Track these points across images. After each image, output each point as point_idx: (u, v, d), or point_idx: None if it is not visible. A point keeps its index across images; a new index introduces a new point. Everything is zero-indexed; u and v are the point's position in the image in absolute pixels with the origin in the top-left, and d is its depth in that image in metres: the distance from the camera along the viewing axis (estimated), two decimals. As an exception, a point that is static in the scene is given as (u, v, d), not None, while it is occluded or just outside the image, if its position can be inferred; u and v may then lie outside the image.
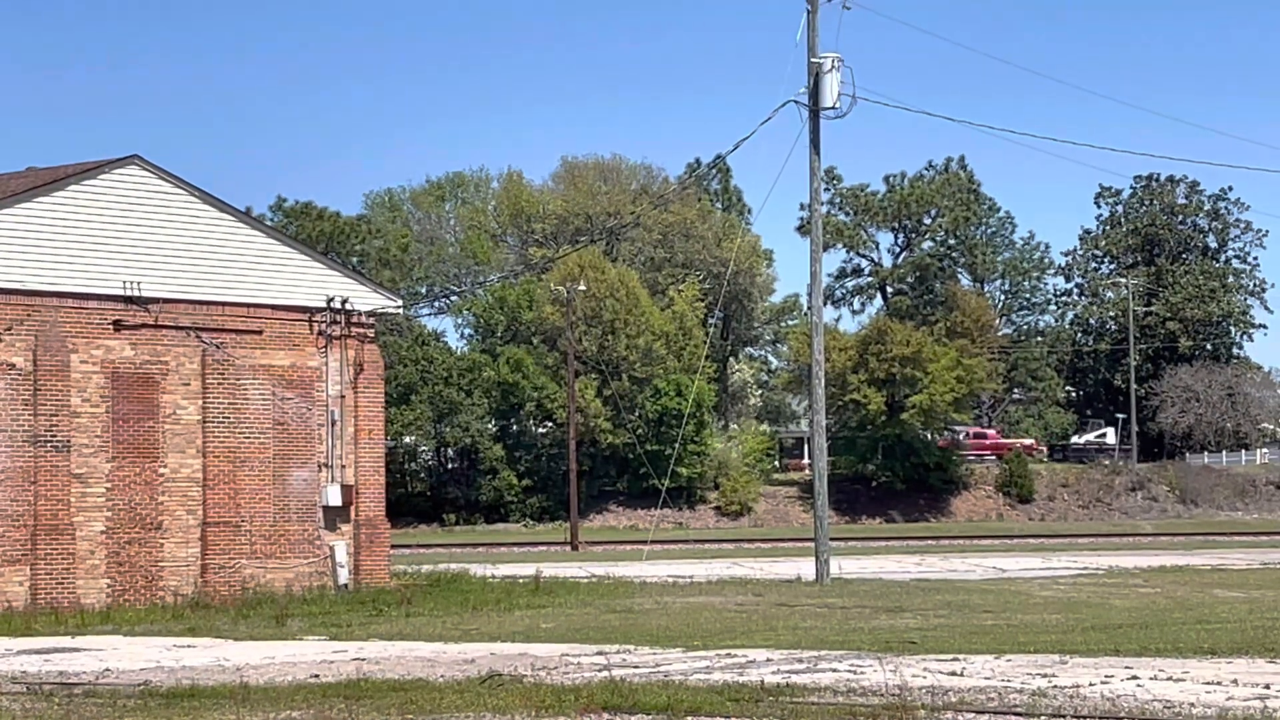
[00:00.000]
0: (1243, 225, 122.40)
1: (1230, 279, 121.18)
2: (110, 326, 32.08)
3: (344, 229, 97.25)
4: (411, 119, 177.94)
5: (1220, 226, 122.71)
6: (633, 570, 43.27)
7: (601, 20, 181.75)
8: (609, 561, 50.27)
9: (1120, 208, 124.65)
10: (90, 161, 32.98)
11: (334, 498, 34.66)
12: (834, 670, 18.76)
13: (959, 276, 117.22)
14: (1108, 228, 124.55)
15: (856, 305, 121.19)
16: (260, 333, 34.06)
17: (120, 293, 32.12)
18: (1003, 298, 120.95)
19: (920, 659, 19.89)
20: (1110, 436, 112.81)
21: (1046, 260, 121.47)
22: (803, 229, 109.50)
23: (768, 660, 20.08)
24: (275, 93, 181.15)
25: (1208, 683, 17.01)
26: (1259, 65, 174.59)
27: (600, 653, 21.37)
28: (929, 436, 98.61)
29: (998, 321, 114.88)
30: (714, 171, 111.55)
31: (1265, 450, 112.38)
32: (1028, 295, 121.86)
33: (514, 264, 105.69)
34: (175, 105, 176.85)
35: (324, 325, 34.95)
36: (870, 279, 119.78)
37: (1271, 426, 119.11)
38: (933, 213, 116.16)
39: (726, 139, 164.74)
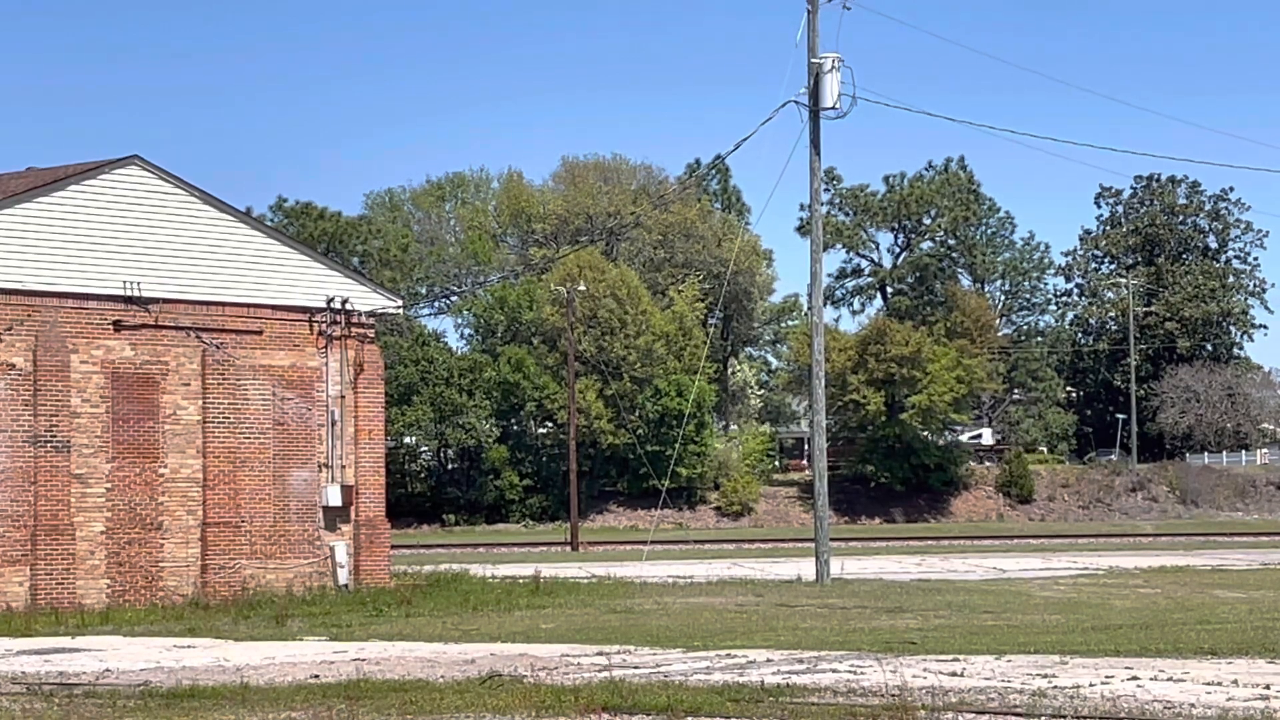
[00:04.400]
0: (1243, 225, 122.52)
1: (1230, 279, 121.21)
2: (110, 326, 32.07)
3: (344, 229, 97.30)
4: (411, 119, 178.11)
5: (1220, 227, 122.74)
6: (633, 570, 43.25)
7: (602, 20, 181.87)
8: (609, 562, 50.26)
9: (1120, 208, 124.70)
10: (90, 161, 32.97)
11: (334, 498, 34.64)
12: (834, 671, 18.75)
13: (959, 276, 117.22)
14: (1108, 228, 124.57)
15: (856, 305, 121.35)
16: (260, 333, 34.05)
17: (120, 293, 32.10)
18: (1003, 298, 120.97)
19: (920, 659, 19.89)
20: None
21: (1046, 260, 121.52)
22: (803, 229, 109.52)
23: (768, 661, 20.07)
24: (275, 93, 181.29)
25: (1208, 683, 17.01)
26: (1260, 65, 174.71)
27: (600, 653, 21.37)
28: (928, 436, 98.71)
29: (998, 321, 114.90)
30: (714, 172, 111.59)
31: (1265, 450, 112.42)
32: (1028, 295, 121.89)
33: (514, 264, 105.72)
34: (175, 105, 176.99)
35: (324, 325, 34.93)
36: (870, 279, 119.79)
37: (1272, 426, 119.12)
38: (932, 213, 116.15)
39: (726, 139, 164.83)
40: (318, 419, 34.78)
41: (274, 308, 34.32)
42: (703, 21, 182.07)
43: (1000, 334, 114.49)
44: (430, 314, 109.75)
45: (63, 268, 31.49)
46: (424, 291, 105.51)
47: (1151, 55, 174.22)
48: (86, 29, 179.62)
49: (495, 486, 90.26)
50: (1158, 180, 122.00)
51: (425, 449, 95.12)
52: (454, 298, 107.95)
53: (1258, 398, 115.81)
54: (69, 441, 31.33)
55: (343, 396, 35.08)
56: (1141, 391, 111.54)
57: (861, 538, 71.72)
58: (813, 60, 38.63)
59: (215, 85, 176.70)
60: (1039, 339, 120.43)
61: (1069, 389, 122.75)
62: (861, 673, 18.35)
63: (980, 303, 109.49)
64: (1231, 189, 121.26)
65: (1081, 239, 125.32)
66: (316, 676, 19.26)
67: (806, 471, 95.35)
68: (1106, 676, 17.66)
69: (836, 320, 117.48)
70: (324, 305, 34.91)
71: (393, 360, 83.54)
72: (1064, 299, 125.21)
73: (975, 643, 22.19)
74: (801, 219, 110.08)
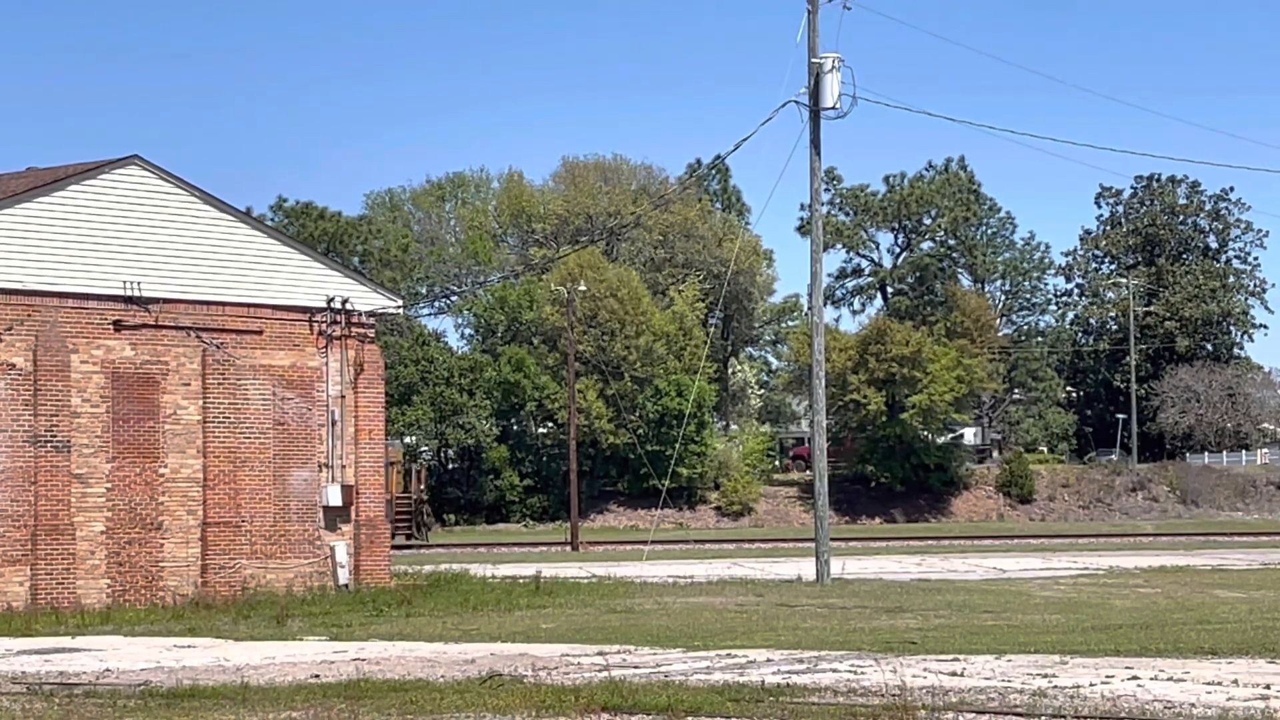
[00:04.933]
0: (1243, 225, 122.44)
1: (1231, 279, 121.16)
2: (110, 326, 32.08)
3: (345, 229, 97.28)
4: (411, 119, 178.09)
5: (1221, 227, 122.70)
6: (633, 570, 43.25)
7: (602, 20, 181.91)
8: (609, 561, 50.26)
9: (1120, 208, 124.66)
10: (90, 161, 32.98)
11: (334, 498, 34.65)
12: (834, 670, 18.75)
13: (959, 276, 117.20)
14: (1108, 228, 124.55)
15: (856, 305, 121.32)
16: (260, 333, 34.06)
17: (120, 293, 32.12)
18: (1003, 298, 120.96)
19: (920, 659, 19.89)
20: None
21: (1046, 260, 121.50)
22: (803, 229, 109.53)
23: (768, 660, 20.08)
24: (275, 93, 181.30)
25: (1208, 683, 17.01)
26: (1259, 65, 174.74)
27: (600, 653, 21.37)
28: (928, 436, 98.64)
29: (998, 321, 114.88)
30: (714, 172, 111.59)
31: (1265, 450, 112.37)
32: (1028, 295, 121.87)
33: (514, 264, 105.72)
34: (175, 105, 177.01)
35: (324, 325, 34.94)
36: (870, 279, 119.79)
37: (1272, 426, 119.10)
38: (933, 213, 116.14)
39: (726, 139, 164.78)
40: (318, 419, 34.79)
41: (274, 308, 34.33)
42: (703, 21, 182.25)
43: (1000, 334, 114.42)
44: (430, 314, 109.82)
45: (63, 268, 31.50)
46: (424, 291, 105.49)
47: (1151, 55, 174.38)
48: (86, 29, 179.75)
49: (495, 486, 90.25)
50: (1158, 180, 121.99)
51: (425, 449, 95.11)
52: (454, 298, 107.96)
53: (1258, 398, 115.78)
54: (69, 441, 31.33)
55: (343, 396, 35.09)
56: (1141, 391, 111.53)
57: (861, 538, 71.69)
58: (813, 60, 38.63)
59: (215, 85, 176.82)
60: (1039, 339, 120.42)
61: (1069, 389, 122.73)
62: (862, 672, 18.35)
63: (980, 303, 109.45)
64: (1231, 189, 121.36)
65: (1081, 239, 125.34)
66: (317, 676, 19.27)
67: (806, 471, 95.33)
68: (1107, 676, 17.66)
69: (836, 320, 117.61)
70: (324, 305, 34.93)
71: (393, 360, 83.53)
72: (1064, 299, 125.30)
73: (975, 642, 22.19)
74: (801, 219, 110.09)
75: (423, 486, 67.74)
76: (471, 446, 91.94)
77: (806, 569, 39.81)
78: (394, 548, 64.36)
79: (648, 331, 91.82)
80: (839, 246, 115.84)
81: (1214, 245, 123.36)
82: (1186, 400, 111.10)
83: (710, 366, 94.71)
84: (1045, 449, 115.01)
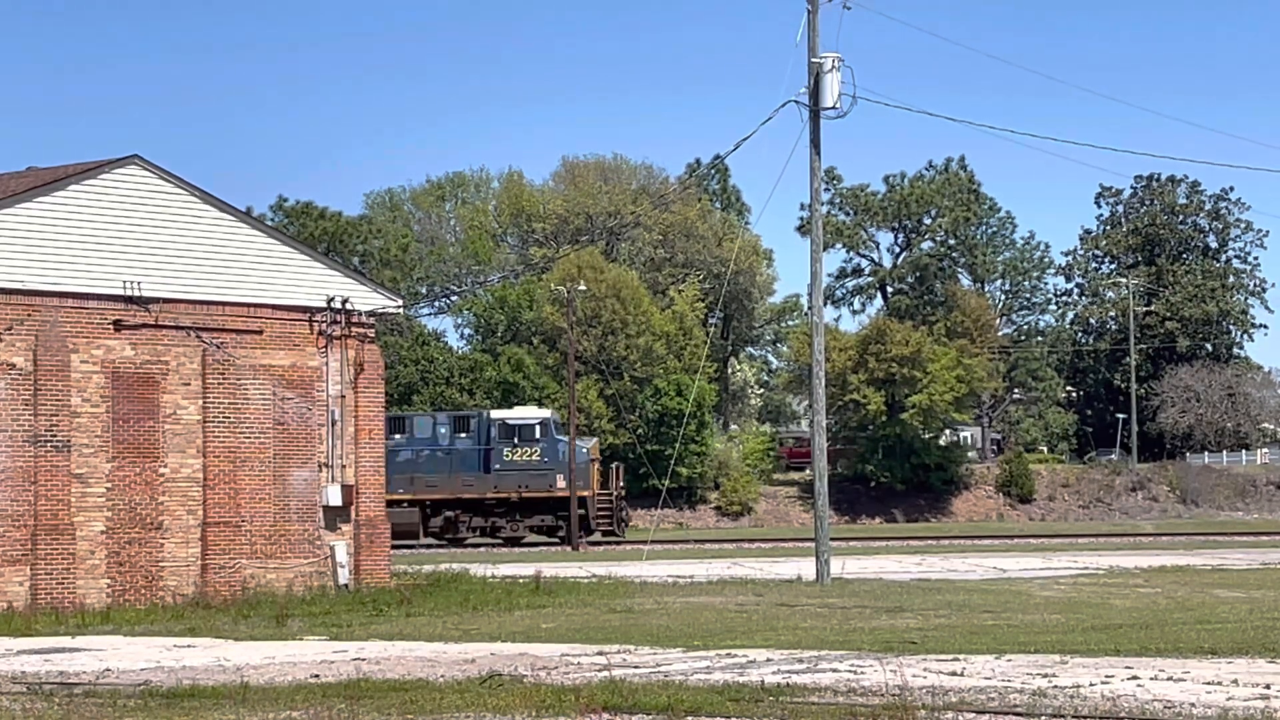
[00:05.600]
0: (1243, 225, 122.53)
1: (1230, 279, 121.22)
2: (110, 326, 32.06)
3: (345, 229, 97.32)
4: (411, 119, 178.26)
5: (1221, 226, 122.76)
6: (633, 570, 43.24)
7: (602, 20, 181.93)
8: (609, 561, 50.24)
9: (1120, 208, 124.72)
10: (90, 161, 32.96)
11: (334, 498, 34.63)
12: (834, 670, 18.75)
13: (959, 276, 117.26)
14: (1108, 228, 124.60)
15: (856, 305, 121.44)
16: (260, 333, 34.04)
17: (120, 293, 32.10)
18: (1003, 298, 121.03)
19: (921, 659, 19.89)
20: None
21: (1047, 260, 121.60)
22: (803, 229, 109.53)
23: (768, 660, 20.08)
24: (275, 93, 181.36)
25: (1208, 683, 17.01)
26: (1259, 65, 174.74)
27: (600, 653, 21.37)
28: (928, 436, 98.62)
29: (998, 321, 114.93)
30: (714, 172, 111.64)
31: (1265, 450, 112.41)
32: (1028, 295, 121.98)
33: (514, 264, 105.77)
34: (175, 105, 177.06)
35: (324, 325, 34.93)
36: (870, 279, 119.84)
37: (1272, 426, 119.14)
38: (933, 213, 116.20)
39: (726, 139, 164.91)
40: (318, 418, 34.77)
41: (274, 307, 34.30)
42: (703, 22, 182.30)
43: (1000, 334, 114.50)
44: (430, 314, 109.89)
45: (63, 268, 31.48)
46: (424, 291, 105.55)
47: (1151, 55, 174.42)
48: (86, 29, 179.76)
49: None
50: (1158, 180, 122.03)
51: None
52: (454, 298, 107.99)
53: (1258, 397, 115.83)
54: (69, 441, 31.32)
55: (343, 396, 35.08)
56: (1141, 391, 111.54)
57: (862, 537, 71.65)
58: (813, 60, 38.61)
59: (215, 85, 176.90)
60: (1039, 339, 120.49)
61: (1069, 389, 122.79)
62: (862, 672, 18.35)
63: (980, 303, 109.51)
64: (1231, 189, 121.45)
65: (1081, 239, 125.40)
66: (316, 676, 19.27)
67: (806, 471, 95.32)
68: (1106, 676, 17.66)
69: (836, 320, 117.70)
70: (324, 305, 34.90)
71: (393, 360, 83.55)
72: (1064, 299, 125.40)
73: (975, 642, 22.19)
74: (801, 219, 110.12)
75: (621, 484, 68.26)
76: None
77: (806, 569, 39.79)
78: (592, 543, 65.42)
79: (648, 331, 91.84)
80: (839, 246, 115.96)
81: (1214, 245, 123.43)
82: (1186, 400, 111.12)
83: (710, 366, 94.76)
84: (1045, 449, 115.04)
